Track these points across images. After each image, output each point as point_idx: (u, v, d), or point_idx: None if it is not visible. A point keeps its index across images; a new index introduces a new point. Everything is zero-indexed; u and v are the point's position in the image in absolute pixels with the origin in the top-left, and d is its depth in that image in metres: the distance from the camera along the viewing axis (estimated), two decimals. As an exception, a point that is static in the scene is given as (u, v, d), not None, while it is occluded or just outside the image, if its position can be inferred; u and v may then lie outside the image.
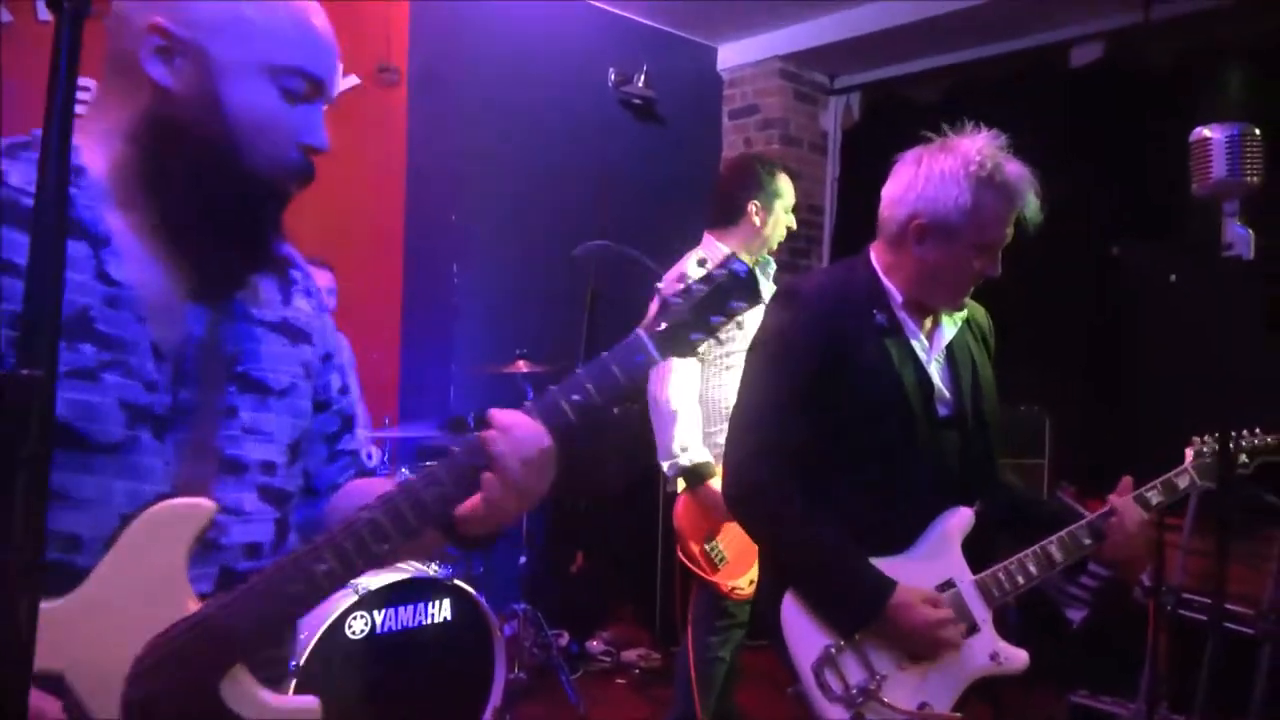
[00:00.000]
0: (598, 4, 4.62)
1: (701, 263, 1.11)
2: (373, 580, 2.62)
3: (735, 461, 1.77)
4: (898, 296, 1.77)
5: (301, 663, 2.45)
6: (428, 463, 1.00)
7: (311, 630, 2.51)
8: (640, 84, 4.71)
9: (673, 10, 4.71)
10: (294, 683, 2.43)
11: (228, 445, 1.02)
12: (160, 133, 0.96)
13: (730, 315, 1.06)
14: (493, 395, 4.30)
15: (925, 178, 1.71)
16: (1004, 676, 1.71)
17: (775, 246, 2.99)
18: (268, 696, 0.96)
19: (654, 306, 1.06)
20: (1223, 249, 1.53)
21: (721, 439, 2.91)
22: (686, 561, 2.77)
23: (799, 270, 5.04)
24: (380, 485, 1.11)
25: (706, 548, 2.75)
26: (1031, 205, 1.69)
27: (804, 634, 1.64)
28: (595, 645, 4.22)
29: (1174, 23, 3.93)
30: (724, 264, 1.07)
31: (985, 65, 4.63)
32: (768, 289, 3.08)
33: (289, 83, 0.99)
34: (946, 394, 1.79)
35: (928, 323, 1.82)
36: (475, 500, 0.99)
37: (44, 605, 0.80)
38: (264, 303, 1.10)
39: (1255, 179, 1.55)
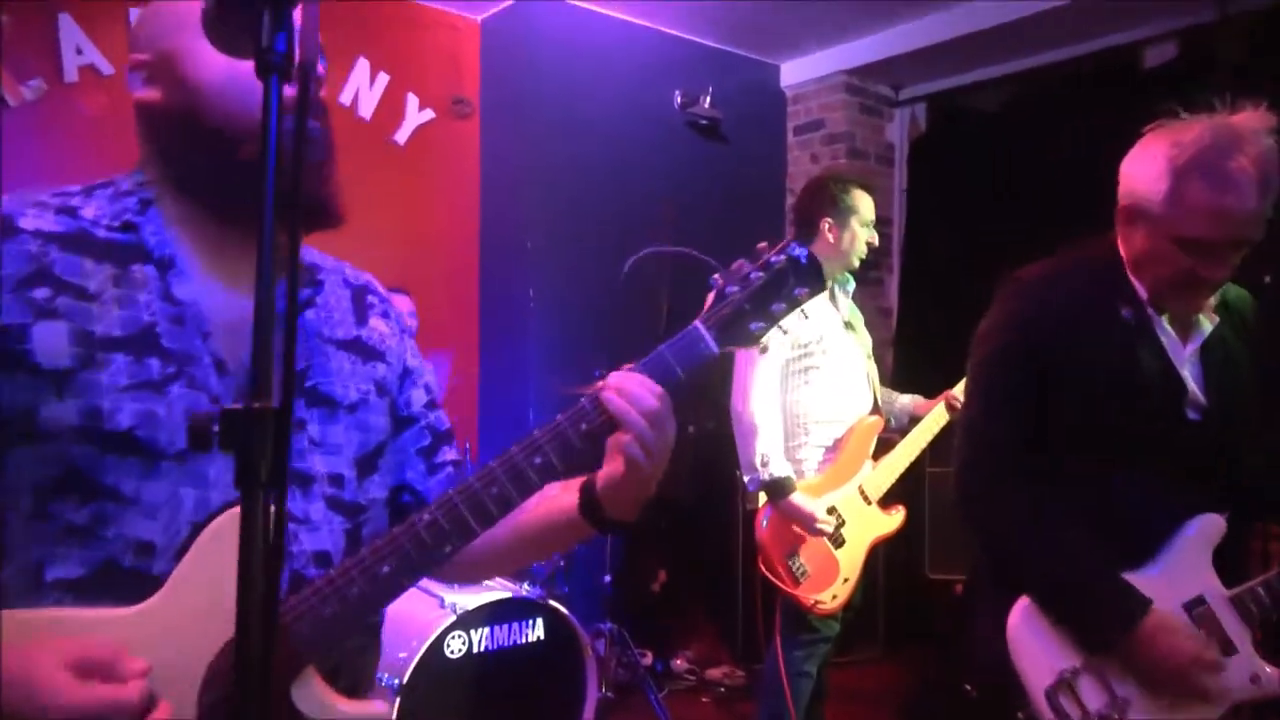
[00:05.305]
0: (663, 29, 4.68)
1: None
2: (469, 600, 2.69)
3: (955, 469, 1.67)
4: (1143, 291, 1.59)
5: (404, 681, 2.52)
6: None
7: (411, 651, 2.56)
8: (706, 105, 4.76)
9: (736, 31, 4.75)
10: (398, 701, 2.50)
11: (294, 458, 1.04)
12: (180, 139, 1.00)
13: (794, 303, 1.03)
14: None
15: (1136, 156, 1.57)
16: (1266, 700, 1.55)
17: (856, 264, 2.97)
18: (337, 701, 0.98)
19: (710, 298, 1.04)
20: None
21: (803, 453, 2.93)
22: (769, 576, 2.77)
23: (869, 284, 5.01)
24: None
25: (789, 562, 2.76)
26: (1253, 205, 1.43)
27: (1037, 653, 1.49)
28: (679, 664, 4.23)
29: (1247, 17, 3.83)
30: (783, 249, 1.04)
31: (1053, 70, 4.57)
32: (846, 307, 3.08)
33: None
34: (1200, 398, 1.60)
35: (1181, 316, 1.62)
36: (614, 470, 1.02)
37: (122, 611, 0.88)
38: (337, 322, 1.14)
39: None
